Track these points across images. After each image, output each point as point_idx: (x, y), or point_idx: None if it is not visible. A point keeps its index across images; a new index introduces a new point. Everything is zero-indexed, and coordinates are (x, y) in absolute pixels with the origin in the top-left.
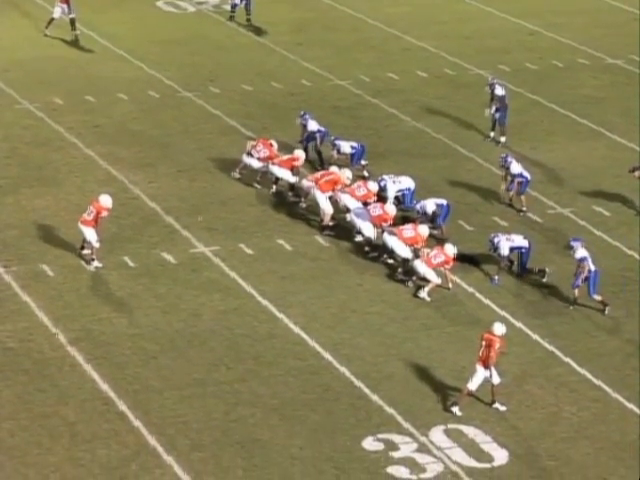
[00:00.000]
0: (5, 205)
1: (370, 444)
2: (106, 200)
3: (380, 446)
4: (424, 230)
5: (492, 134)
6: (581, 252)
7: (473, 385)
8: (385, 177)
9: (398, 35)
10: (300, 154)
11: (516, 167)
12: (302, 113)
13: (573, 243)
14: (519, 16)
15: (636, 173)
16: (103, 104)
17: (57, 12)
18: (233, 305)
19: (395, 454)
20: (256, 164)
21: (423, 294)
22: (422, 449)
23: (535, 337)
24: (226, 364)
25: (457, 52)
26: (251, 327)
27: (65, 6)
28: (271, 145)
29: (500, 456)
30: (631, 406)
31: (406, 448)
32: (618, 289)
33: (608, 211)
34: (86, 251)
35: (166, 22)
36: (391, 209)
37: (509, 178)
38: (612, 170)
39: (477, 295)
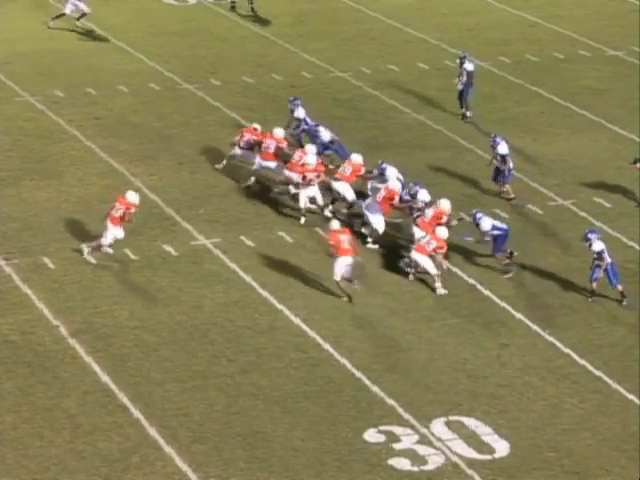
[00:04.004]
0: (6, 197)
1: (371, 436)
2: (133, 196)
3: (381, 438)
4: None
5: (465, 110)
6: (599, 245)
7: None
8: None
9: (399, 27)
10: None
11: (504, 148)
12: (292, 98)
13: (590, 235)
14: (519, 8)
15: (637, 165)
16: (104, 96)
17: (69, 8)
18: (234, 297)
19: (396, 446)
20: (245, 154)
21: (440, 290)
22: (423, 441)
23: (536, 329)
24: (227, 356)
25: (458, 44)
26: (252, 319)
27: (80, 3)
28: (255, 129)
29: (501, 448)
30: (632, 397)
31: (407, 440)
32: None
33: (609, 203)
34: (94, 243)
35: (167, 14)
36: (397, 186)
37: (497, 160)
38: (613, 162)
39: (478, 287)
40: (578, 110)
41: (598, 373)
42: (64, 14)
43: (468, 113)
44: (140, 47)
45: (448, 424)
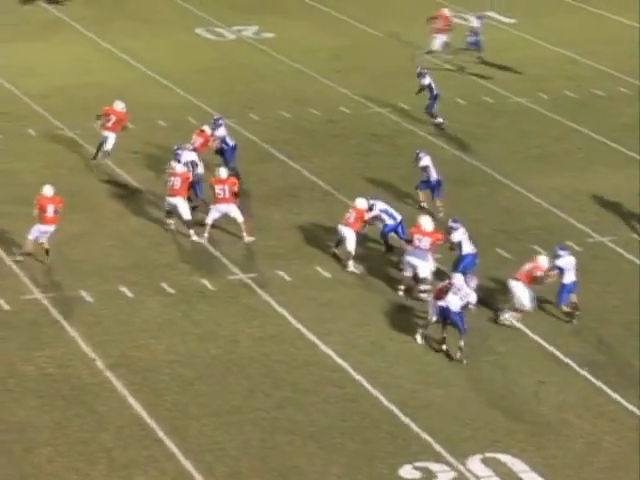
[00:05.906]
0: None
1: (408, 472)
2: (362, 203)
3: (417, 475)
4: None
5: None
6: (561, 261)
7: None
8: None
9: (436, 62)
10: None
11: (426, 160)
12: (217, 117)
13: (561, 252)
14: (558, 44)
15: None
16: (142, 130)
17: (437, 44)
18: (271, 332)
19: None
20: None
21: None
22: (460, 478)
23: (573, 365)
24: (263, 391)
25: (496, 80)
26: (289, 354)
27: (445, 36)
28: (202, 131)
29: None
30: None
31: (443, 477)
32: None
33: None
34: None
35: (205, 49)
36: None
37: (424, 174)
38: None
39: (514, 323)
40: (617, 147)
41: (637, 411)
42: (433, 50)
43: (439, 119)
44: (178, 81)
45: (484, 461)
